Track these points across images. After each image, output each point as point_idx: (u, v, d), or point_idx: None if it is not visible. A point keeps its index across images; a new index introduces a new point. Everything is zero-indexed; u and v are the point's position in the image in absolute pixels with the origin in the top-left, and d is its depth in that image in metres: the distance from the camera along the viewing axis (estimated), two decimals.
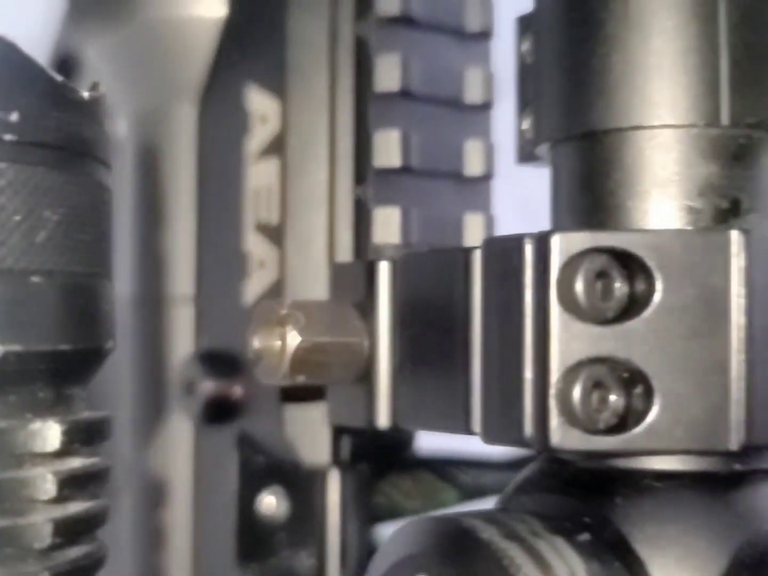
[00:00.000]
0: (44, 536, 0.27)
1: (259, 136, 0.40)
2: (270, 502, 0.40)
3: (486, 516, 0.29)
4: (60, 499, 0.27)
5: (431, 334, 0.32)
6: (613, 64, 0.30)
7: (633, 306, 0.28)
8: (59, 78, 0.27)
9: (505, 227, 0.38)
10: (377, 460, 0.40)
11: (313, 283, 0.39)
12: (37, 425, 0.27)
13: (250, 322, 0.34)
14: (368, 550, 0.39)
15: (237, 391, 0.41)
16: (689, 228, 0.30)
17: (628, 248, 0.28)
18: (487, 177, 0.41)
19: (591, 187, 0.31)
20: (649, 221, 0.30)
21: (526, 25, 0.34)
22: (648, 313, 0.28)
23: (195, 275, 0.42)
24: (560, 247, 0.28)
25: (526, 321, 0.28)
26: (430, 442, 0.42)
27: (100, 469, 0.28)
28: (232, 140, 0.41)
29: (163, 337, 0.43)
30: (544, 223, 0.33)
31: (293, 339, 0.33)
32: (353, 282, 0.34)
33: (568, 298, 0.28)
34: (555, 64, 0.32)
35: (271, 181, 0.40)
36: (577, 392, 0.27)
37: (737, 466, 0.29)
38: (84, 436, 0.28)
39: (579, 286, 0.28)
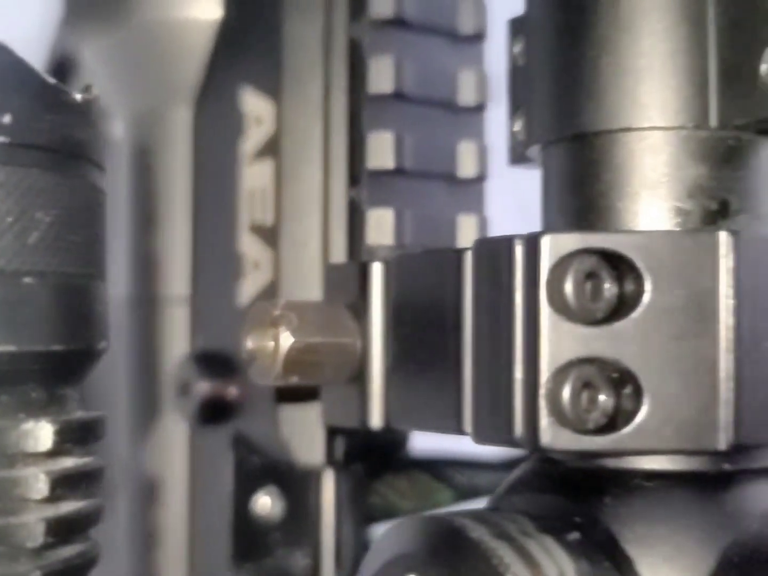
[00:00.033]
0: (36, 535, 0.27)
1: (253, 137, 0.40)
2: (265, 503, 0.40)
3: (476, 515, 0.29)
4: (52, 498, 0.27)
5: (424, 334, 0.32)
6: (603, 67, 0.31)
7: (622, 306, 0.28)
8: (52, 80, 0.28)
9: (500, 228, 0.38)
10: (372, 460, 0.40)
11: (307, 284, 0.39)
12: (29, 425, 0.27)
13: (244, 323, 0.34)
14: (363, 550, 0.39)
15: (232, 391, 0.41)
16: (678, 229, 0.30)
17: (617, 249, 0.28)
18: (480, 178, 0.41)
19: (581, 188, 0.31)
20: (638, 222, 0.30)
21: (517, 27, 0.35)
22: (637, 313, 0.28)
23: (190, 276, 0.43)
24: (550, 248, 0.28)
25: (516, 321, 0.28)
26: (425, 442, 0.42)
27: (94, 468, 0.29)
28: (227, 141, 0.41)
29: (158, 337, 0.43)
30: (539, 225, 0.33)
31: (286, 340, 0.33)
32: (346, 283, 0.34)
33: (557, 299, 0.28)
34: (546, 66, 0.32)
35: (266, 183, 0.40)
36: (566, 392, 0.28)
37: (726, 466, 0.29)
38: (77, 435, 0.28)
39: (568, 287, 0.28)
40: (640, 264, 0.28)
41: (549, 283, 0.28)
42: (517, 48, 0.35)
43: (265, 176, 0.40)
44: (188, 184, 0.43)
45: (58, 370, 0.28)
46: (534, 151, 0.33)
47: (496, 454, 0.42)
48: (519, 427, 0.28)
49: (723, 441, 0.28)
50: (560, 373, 0.28)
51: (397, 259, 0.33)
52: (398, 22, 0.39)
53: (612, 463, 0.30)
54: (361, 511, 0.40)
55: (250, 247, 0.40)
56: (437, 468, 0.43)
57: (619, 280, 0.28)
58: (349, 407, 0.34)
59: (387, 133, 0.39)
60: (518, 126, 0.34)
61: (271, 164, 0.40)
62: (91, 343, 0.29)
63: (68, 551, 0.28)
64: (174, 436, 0.43)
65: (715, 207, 0.30)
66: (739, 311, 0.28)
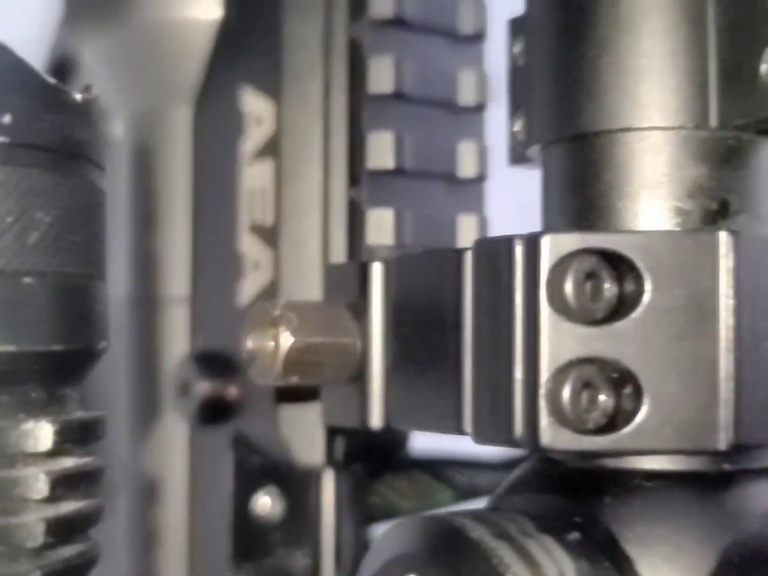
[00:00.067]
0: (36, 535, 0.27)
1: (253, 137, 0.40)
2: (265, 502, 0.40)
3: (476, 515, 0.29)
4: (52, 498, 0.27)
5: (424, 334, 0.32)
6: (603, 67, 0.31)
7: (622, 306, 0.28)
8: (52, 80, 0.28)
9: (500, 229, 0.38)
10: (372, 460, 0.40)
11: (307, 284, 0.39)
12: (29, 425, 0.27)
13: (244, 323, 0.34)
14: (363, 550, 0.39)
15: (232, 391, 0.41)
16: (678, 229, 0.30)
17: (617, 249, 0.28)
18: (480, 178, 0.41)
19: (581, 188, 0.31)
20: (638, 222, 0.30)
21: (517, 27, 0.35)
22: (637, 313, 0.28)
23: (190, 276, 0.43)
24: (550, 248, 0.28)
25: (516, 321, 0.28)
26: (425, 442, 0.42)
27: (93, 468, 0.29)
28: (227, 142, 0.41)
29: (159, 337, 0.43)
30: (539, 225, 0.33)
31: (286, 340, 0.33)
32: (346, 283, 0.34)
33: (557, 299, 0.28)
34: (545, 66, 0.32)
35: (266, 183, 0.40)
36: (566, 392, 0.28)
37: (726, 466, 0.29)
38: (77, 435, 0.28)
39: (568, 287, 0.28)
40: (640, 264, 0.28)
41: (549, 283, 0.28)
42: (517, 48, 0.35)
43: (265, 176, 0.40)
44: (188, 184, 0.43)
45: (58, 370, 0.28)
46: (534, 151, 0.33)
47: (496, 454, 0.42)
48: (519, 427, 0.28)
49: (723, 441, 0.28)
50: (560, 373, 0.28)
51: (397, 259, 0.33)
52: (398, 22, 0.39)
53: (612, 463, 0.30)
54: (361, 511, 0.40)
55: (250, 247, 0.40)
56: (437, 468, 0.43)
57: (619, 280, 0.28)
58: (349, 407, 0.34)
59: (387, 133, 0.39)
60: (518, 126, 0.34)
61: (271, 164, 0.40)
62: (91, 343, 0.29)
63: (68, 551, 0.28)
64: (174, 436, 0.43)
65: (715, 207, 0.30)
66: (739, 311, 0.28)
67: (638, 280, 0.28)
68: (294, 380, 0.34)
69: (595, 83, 0.31)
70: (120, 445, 0.44)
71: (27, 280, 0.27)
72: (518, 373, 0.28)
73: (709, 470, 0.29)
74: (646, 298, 0.28)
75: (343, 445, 0.39)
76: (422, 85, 0.40)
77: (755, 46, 0.29)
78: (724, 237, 0.28)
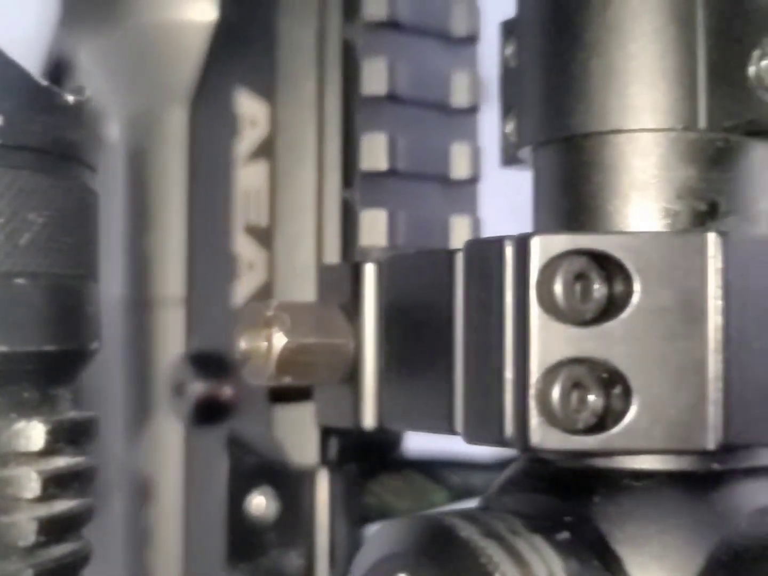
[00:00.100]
0: (28, 534, 0.27)
1: (248, 139, 0.41)
2: (259, 503, 0.40)
3: (466, 515, 0.29)
4: (44, 497, 0.27)
5: (416, 335, 0.32)
6: (592, 69, 0.31)
7: (611, 307, 0.28)
8: (44, 82, 0.28)
9: (493, 229, 0.38)
10: (366, 460, 0.40)
11: (301, 284, 0.39)
12: (21, 425, 0.27)
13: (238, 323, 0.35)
14: (357, 550, 0.39)
15: (226, 392, 0.41)
16: (667, 230, 0.30)
17: (606, 250, 0.28)
18: (473, 180, 0.41)
19: (571, 189, 0.31)
20: (628, 224, 0.30)
21: (509, 29, 0.35)
22: (626, 314, 0.28)
23: (185, 277, 0.43)
24: (540, 249, 0.28)
25: (506, 322, 0.29)
26: (419, 442, 0.42)
27: (86, 468, 0.29)
28: (221, 143, 0.41)
29: (153, 338, 0.43)
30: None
31: (279, 340, 0.33)
32: (340, 284, 0.35)
33: (547, 300, 0.28)
34: (536, 69, 0.32)
35: (260, 184, 0.40)
36: (556, 392, 0.28)
37: (715, 466, 0.29)
38: (69, 435, 0.28)
39: (558, 288, 0.28)
40: (629, 265, 0.28)
41: (539, 283, 0.28)
42: (509, 50, 0.35)
43: (259, 177, 0.40)
44: (183, 185, 0.43)
45: (50, 370, 0.28)
46: (525, 152, 0.33)
47: (490, 454, 0.43)
48: (509, 427, 0.28)
49: (712, 441, 0.28)
50: (550, 374, 0.28)
51: (389, 259, 0.33)
52: (392, 24, 0.40)
53: (601, 462, 0.30)
54: (355, 511, 0.40)
55: (244, 248, 0.40)
56: (432, 468, 0.43)
57: (609, 280, 0.28)
58: (342, 407, 0.34)
59: (380, 134, 0.39)
60: (510, 127, 0.35)
61: (265, 165, 0.40)
62: (84, 343, 0.29)
63: (60, 550, 0.28)
64: (168, 437, 0.43)
65: (704, 208, 0.30)
66: (727, 312, 0.28)
67: (627, 280, 0.28)
68: (287, 380, 0.34)
69: (585, 85, 0.31)
70: (115, 445, 0.44)
71: (19, 281, 0.27)
72: (508, 373, 0.29)
73: (697, 470, 0.29)
74: (635, 298, 0.28)
75: (337, 445, 0.39)
76: (416, 86, 0.40)
77: (744, 48, 0.29)
78: (712, 238, 0.28)
